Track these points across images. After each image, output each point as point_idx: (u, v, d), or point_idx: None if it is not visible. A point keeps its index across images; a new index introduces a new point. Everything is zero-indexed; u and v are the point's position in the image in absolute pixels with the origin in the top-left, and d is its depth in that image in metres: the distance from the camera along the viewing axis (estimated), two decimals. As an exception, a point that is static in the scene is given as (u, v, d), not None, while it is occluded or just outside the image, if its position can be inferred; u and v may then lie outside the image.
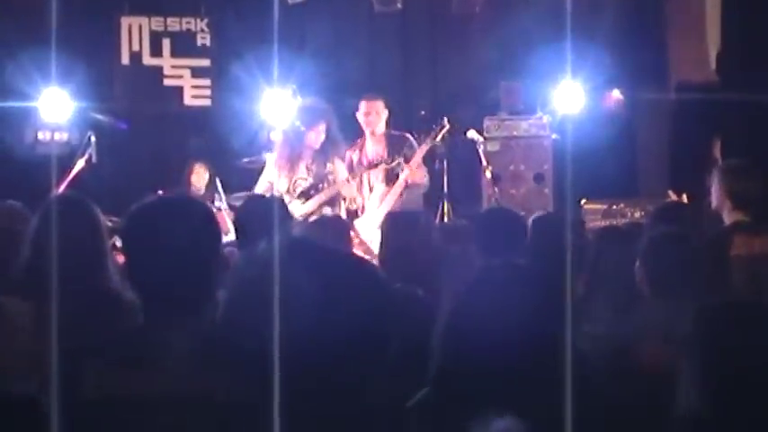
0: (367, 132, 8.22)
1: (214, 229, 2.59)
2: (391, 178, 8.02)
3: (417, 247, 4.19)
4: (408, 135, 8.26)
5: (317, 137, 7.59)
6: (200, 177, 9.06)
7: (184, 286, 2.47)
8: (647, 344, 3.40)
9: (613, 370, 3.20)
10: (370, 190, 8.02)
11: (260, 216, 4.06)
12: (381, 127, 8.17)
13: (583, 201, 9.19)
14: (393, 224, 4.76)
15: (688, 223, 4.90)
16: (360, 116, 8.17)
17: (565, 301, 2.09)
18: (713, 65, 9.75)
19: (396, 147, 8.11)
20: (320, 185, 7.54)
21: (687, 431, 2.29)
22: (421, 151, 8.13)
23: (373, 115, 8.14)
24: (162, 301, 2.48)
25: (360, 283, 1.79)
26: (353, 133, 8.53)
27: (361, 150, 8.20)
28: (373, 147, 8.21)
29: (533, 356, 2.00)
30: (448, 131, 8.31)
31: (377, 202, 7.92)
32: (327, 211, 7.44)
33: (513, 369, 1.98)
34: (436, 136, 8.22)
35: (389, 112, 8.37)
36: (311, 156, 7.63)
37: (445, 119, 8.42)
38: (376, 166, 7.94)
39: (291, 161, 7.59)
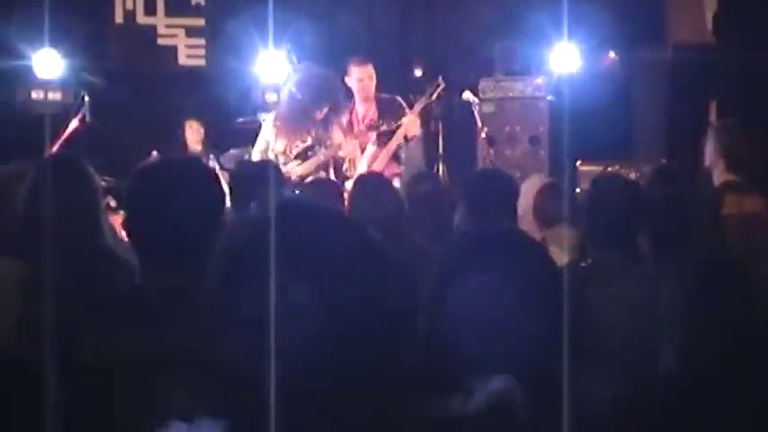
0: (359, 97, 8.16)
1: (218, 191, 2.61)
2: (383, 141, 7.98)
3: (381, 215, 4.17)
4: (398, 98, 8.21)
5: (321, 111, 7.51)
6: (194, 135, 9.03)
7: (185, 247, 2.49)
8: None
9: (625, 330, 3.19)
10: (362, 152, 7.99)
11: (253, 180, 4.07)
12: (372, 90, 8.14)
13: (578, 162, 9.18)
14: (361, 188, 4.74)
15: (682, 184, 4.91)
16: (352, 81, 8.11)
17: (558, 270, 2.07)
18: (710, 26, 9.71)
19: (387, 110, 8.08)
20: (317, 147, 7.50)
21: (667, 391, 2.30)
22: (417, 107, 8.11)
23: (366, 80, 8.09)
24: (162, 261, 2.49)
25: (352, 241, 1.79)
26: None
27: (351, 113, 8.15)
28: (364, 110, 8.16)
29: (531, 325, 1.98)
30: (443, 90, 8.28)
31: (366, 164, 7.88)
32: (322, 174, 7.40)
33: (510, 341, 1.96)
34: (432, 94, 8.19)
35: (377, 74, 8.33)
36: (313, 122, 7.56)
37: (440, 78, 8.38)
38: (376, 128, 7.90)
39: (293, 124, 7.51)
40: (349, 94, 8.20)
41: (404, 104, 8.15)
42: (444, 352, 2.00)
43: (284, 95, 7.71)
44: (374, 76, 8.15)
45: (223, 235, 2.46)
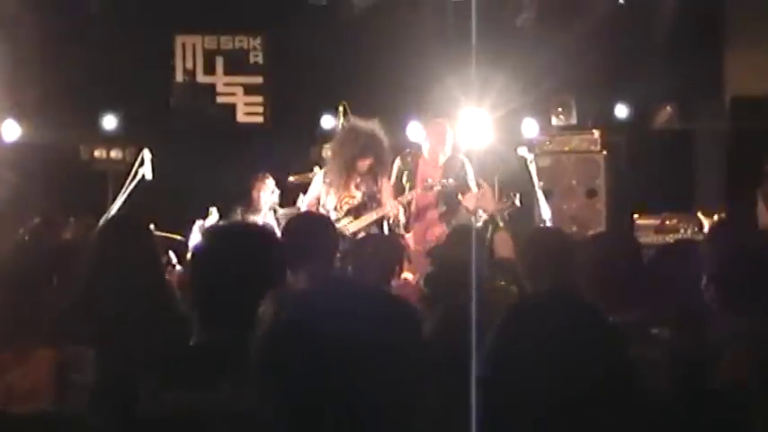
0: (428, 155, 8.05)
1: (279, 257, 2.68)
2: (447, 201, 7.90)
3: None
4: (463, 156, 8.13)
5: (368, 162, 7.56)
6: (266, 191, 9.00)
7: (243, 309, 2.54)
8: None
9: (687, 391, 3.15)
10: (419, 210, 7.94)
11: (308, 235, 4.08)
12: (447, 151, 8.01)
13: (636, 216, 9.12)
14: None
15: (743, 239, 4.84)
16: (423, 141, 8.01)
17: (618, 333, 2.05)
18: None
19: (451, 168, 7.97)
20: (369, 204, 7.53)
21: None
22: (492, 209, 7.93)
23: (441, 142, 7.97)
24: (219, 321, 2.55)
25: (398, 334, 1.81)
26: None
27: (416, 168, 8.06)
28: (430, 168, 8.08)
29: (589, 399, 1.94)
30: (515, 209, 8.08)
31: (425, 226, 7.86)
32: (374, 230, 7.42)
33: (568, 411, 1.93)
34: (504, 209, 8.00)
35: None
36: (361, 175, 7.62)
37: (526, 152, 8.35)
38: (431, 188, 7.81)
39: (341, 180, 7.59)
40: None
41: (467, 163, 8.01)
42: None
43: (331, 151, 7.79)
44: (449, 137, 8.01)
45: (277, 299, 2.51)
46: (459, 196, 7.78)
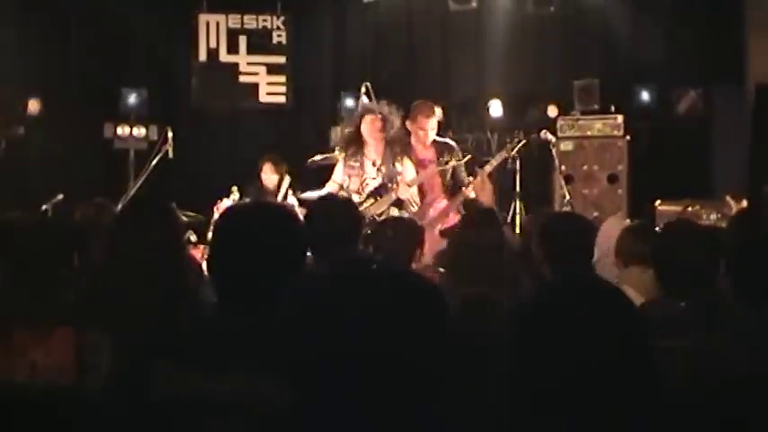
0: (418, 142, 8.07)
1: (299, 238, 2.69)
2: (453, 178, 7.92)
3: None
4: (451, 142, 8.13)
5: (387, 140, 7.58)
6: (269, 175, 9.12)
7: (262, 289, 2.56)
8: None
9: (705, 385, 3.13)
10: (421, 189, 7.96)
11: (331, 219, 4.08)
12: (433, 137, 8.07)
13: (657, 202, 9.09)
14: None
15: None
16: (417, 129, 7.99)
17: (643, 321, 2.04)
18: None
19: (443, 149, 7.99)
20: (390, 185, 7.54)
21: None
22: (495, 162, 8.02)
23: (434, 127, 8.01)
24: (238, 300, 2.57)
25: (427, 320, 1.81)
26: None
27: (411, 150, 8.10)
28: (423, 150, 8.10)
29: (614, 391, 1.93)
30: (523, 146, 8.12)
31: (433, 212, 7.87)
32: (395, 211, 7.43)
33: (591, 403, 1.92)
34: (513, 149, 8.05)
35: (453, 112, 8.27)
36: (381, 156, 7.64)
37: (548, 135, 8.31)
38: (446, 163, 7.84)
39: (361, 161, 7.62)
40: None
41: (456, 147, 8.04)
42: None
43: (349, 132, 7.80)
44: (436, 125, 8.02)
45: (301, 281, 2.53)
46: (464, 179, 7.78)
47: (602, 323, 1.94)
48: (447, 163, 7.71)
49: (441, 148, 7.93)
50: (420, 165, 7.84)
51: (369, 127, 7.68)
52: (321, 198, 5.24)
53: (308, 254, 4.16)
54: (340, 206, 4.51)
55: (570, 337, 1.91)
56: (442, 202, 7.82)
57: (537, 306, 2.00)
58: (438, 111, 8.17)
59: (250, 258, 2.59)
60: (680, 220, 5.24)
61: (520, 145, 8.01)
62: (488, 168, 7.85)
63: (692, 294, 3.64)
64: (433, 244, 7.35)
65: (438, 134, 7.95)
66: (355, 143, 7.70)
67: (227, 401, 2.38)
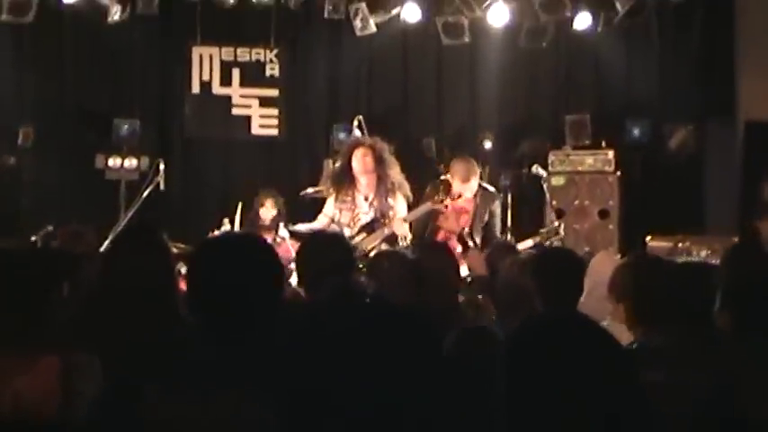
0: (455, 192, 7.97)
1: (274, 268, 2.70)
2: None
3: None
4: (491, 189, 8.09)
5: (375, 177, 7.57)
6: (267, 210, 9.15)
7: (241, 319, 2.57)
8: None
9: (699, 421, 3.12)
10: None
11: (322, 254, 4.08)
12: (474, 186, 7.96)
13: (648, 237, 9.10)
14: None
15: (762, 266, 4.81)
16: (454, 180, 7.87)
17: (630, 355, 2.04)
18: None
19: (486, 201, 7.92)
20: (382, 220, 7.53)
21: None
22: (525, 245, 7.95)
23: (473, 189, 7.86)
24: (218, 331, 2.57)
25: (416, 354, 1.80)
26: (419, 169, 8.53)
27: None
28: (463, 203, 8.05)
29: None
30: (554, 234, 8.05)
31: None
32: (385, 246, 7.41)
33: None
34: (546, 238, 7.99)
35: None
36: (373, 190, 7.63)
37: (540, 170, 8.31)
38: (441, 202, 7.79)
39: (353, 195, 7.61)
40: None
41: (497, 195, 8.03)
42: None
43: (340, 166, 7.80)
44: (476, 186, 7.90)
45: (293, 313, 2.53)
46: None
47: (585, 359, 1.94)
48: (443, 201, 7.69)
49: (484, 198, 7.85)
50: (461, 210, 7.76)
51: (359, 161, 7.69)
52: (313, 233, 5.25)
53: (299, 286, 4.15)
54: (331, 240, 4.51)
55: (553, 373, 1.91)
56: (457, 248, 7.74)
57: (522, 340, 2.00)
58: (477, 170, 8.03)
59: (222, 290, 2.61)
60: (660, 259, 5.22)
61: (553, 237, 7.95)
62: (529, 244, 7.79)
63: (683, 329, 3.65)
64: None
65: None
66: (346, 177, 7.71)
67: (215, 426, 2.37)
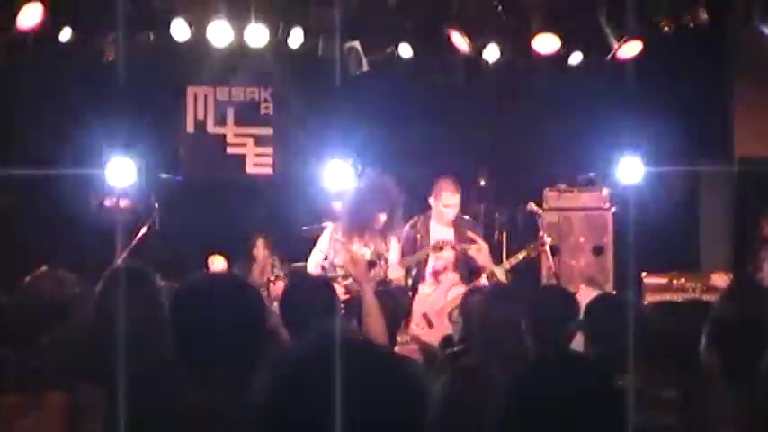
0: (435, 216, 8.06)
1: (256, 309, 2.69)
2: (459, 266, 7.90)
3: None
4: (473, 220, 8.14)
5: (382, 218, 7.55)
6: (260, 250, 9.16)
7: (223, 362, 2.56)
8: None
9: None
10: (435, 273, 7.93)
11: (306, 297, 4.09)
12: (455, 208, 8.04)
13: (644, 274, 9.10)
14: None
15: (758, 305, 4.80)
16: (438, 204, 8.00)
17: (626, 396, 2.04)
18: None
19: (463, 231, 7.97)
20: (378, 262, 7.49)
21: None
22: (514, 261, 8.03)
23: (453, 207, 8.00)
24: (202, 374, 2.56)
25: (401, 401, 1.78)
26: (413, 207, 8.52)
27: (426, 232, 8.09)
28: (440, 230, 8.09)
29: None
30: (542, 248, 8.09)
31: (444, 287, 7.86)
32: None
33: None
34: (534, 249, 8.05)
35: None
36: (371, 232, 7.58)
37: (534, 207, 8.28)
38: (440, 249, 7.80)
39: (351, 236, 7.57)
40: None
41: (477, 226, 8.07)
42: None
43: (342, 205, 7.79)
44: (458, 204, 8.02)
45: (277, 356, 2.51)
46: (472, 251, 7.77)
47: (587, 402, 1.93)
48: (441, 249, 7.70)
49: (461, 227, 7.89)
50: (435, 247, 7.78)
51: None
52: (295, 276, 5.24)
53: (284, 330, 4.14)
54: (314, 284, 4.51)
55: (555, 413, 1.90)
56: (459, 288, 7.73)
57: (520, 382, 1.99)
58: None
59: (203, 332, 2.61)
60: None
61: (543, 248, 8.01)
62: (507, 266, 7.86)
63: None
64: (444, 327, 7.31)
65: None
66: (347, 218, 7.66)
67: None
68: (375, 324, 4.88)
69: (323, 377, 1.72)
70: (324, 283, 4.44)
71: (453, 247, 7.72)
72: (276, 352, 2.63)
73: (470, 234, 7.89)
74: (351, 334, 4.41)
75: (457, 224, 8.05)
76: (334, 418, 1.68)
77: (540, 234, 8.16)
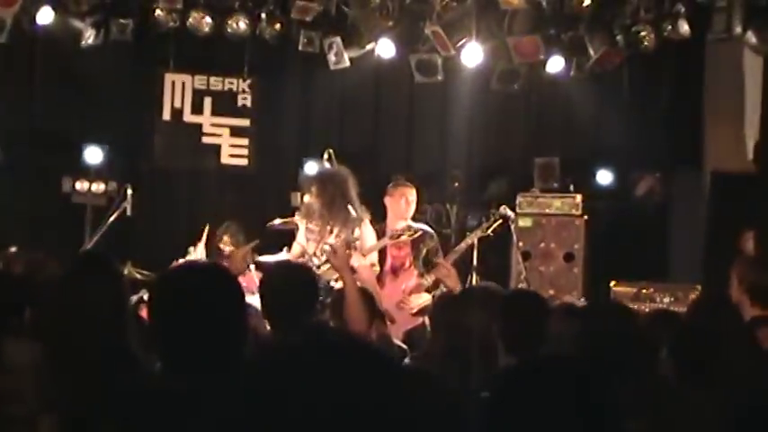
0: (393, 216, 8.06)
1: (235, 298, 2.67)
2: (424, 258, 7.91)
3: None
4: (427, 228, 8.16)
5: (344, 209, 7.56)
6: (229, 240, 9.07)
7: (202, 351, 2.55)
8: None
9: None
10: (393, 269, 7.94)
11: (287, 286, 4.07)
12: (411, 212, 8.08)
13: (612, 283, 9.14)
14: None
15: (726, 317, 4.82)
16: (395, 204, 8.00)
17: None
18: (750, 155, 9.72)
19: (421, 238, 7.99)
20: (348, 252, 7.48)
21: None
22: (470, 240, 8.03)
23: (412, 205, 8.02)
24: (183, 366, 2.54)
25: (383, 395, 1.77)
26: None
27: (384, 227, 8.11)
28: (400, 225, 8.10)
29: None
30: (499, 225, 8.09)
31: (401, 282, 7.87)
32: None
33: None
34: (488, 228, 8.05)
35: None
36: (341, 221, 7.59)
37: (507, 211, 8.23)
38: (398, 237, 7.80)
39: (321, 225, 7.59)
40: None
41: (432, 234, 8.08)
42: None
43: (311, 196, 7.79)
44: (414, 201, 8.05)
45: (259, 349, 2.51)
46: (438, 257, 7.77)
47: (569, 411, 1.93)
48: (399, 237, 7.69)
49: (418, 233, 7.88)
50: (392, 236, 7.77)
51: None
52: (276, 265, 5.22)
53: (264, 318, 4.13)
54: (296, 273, 4.49)
55: (540, 420, 1.90)
56: (413, 281, 7.79)
57: (502, 390, 1.99)
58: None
59: (182, 322, 2.59)
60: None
61: (496, 225, 8.00)
62: (461, 248, 7.86)
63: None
64: (404, 321, 7.36)
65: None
66: (316, 209, 7.69)
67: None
68: (356, 312, 4.93)
69: (308, 375, 1.71)
70: (305, 273, 4.44)
71: (410, 234, 7.65)
72: (259, 346, 2.62)
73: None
74: (334, 328, 4.40)
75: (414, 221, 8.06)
76: (317, 414, 1.68)
77: (502, 210, 8.15)
